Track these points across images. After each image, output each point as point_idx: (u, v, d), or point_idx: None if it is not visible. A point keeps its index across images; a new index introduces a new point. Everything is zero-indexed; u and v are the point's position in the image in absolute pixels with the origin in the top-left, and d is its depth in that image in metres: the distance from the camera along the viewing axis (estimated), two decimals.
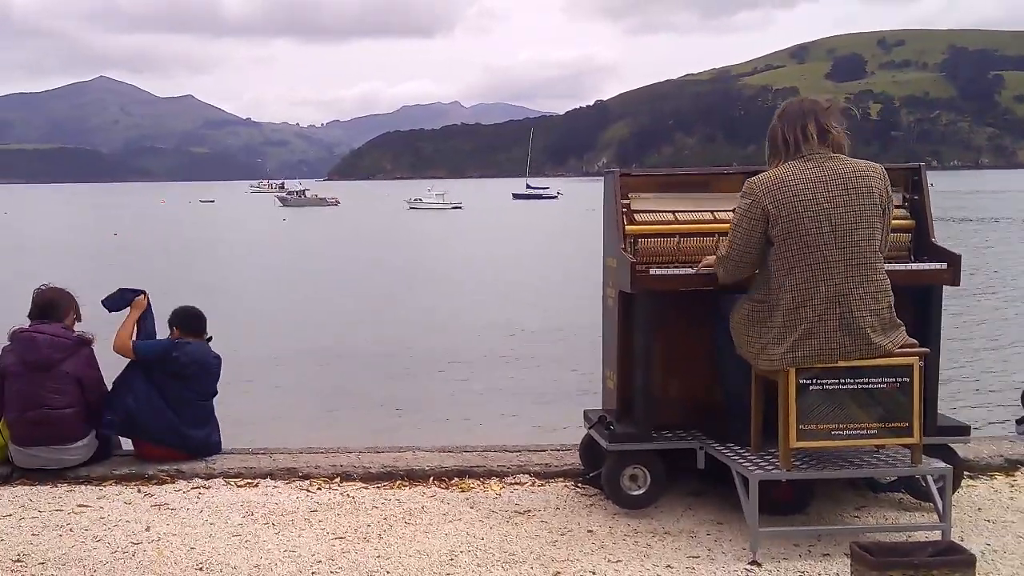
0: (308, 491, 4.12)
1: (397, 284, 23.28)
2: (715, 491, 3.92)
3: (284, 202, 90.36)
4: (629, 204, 4.01)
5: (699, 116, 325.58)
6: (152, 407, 4.40)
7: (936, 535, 3.42)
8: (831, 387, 3.37)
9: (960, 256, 3.83)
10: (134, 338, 4.54)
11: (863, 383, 3.37)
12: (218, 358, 4.59)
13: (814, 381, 3.37)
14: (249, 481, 4.25)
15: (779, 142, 3.45)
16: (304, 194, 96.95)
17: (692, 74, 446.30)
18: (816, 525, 3.69)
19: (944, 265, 3.84)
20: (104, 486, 4.26)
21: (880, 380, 3.38)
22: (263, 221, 61.64)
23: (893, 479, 3.94)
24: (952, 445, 3.92)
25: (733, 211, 3.56)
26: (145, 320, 4.61)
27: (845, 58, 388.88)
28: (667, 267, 3.82)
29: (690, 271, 3.76)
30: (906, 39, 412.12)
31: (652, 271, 3.75)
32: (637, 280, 3.71)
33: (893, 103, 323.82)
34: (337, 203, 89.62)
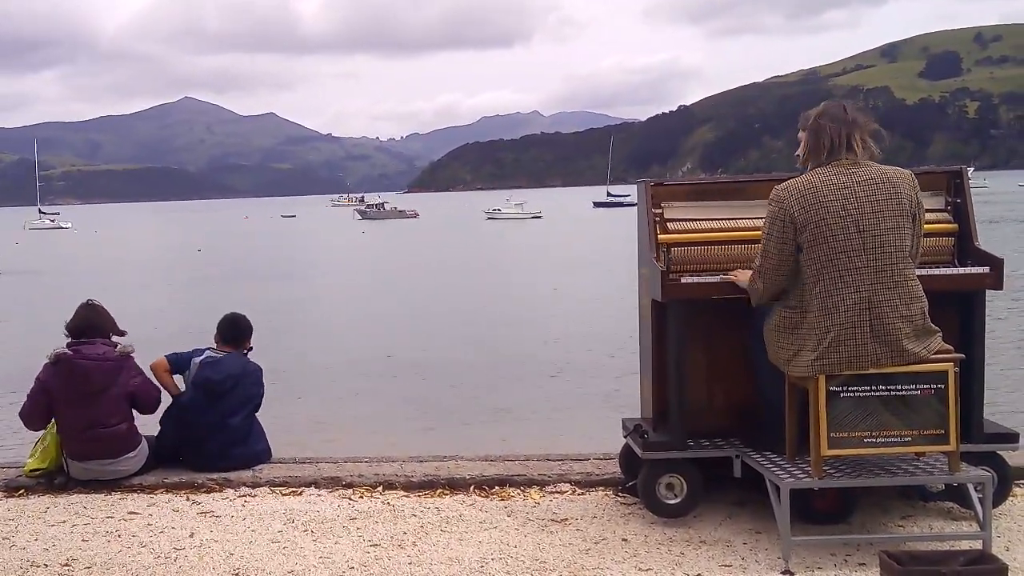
0: (350, 499, 4.25)
1: (471, 293, 23.48)
2: (756, 500, 3.88)
3: (363, 215, 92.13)
4: (662, 213, 4.02)
5: (786, 119, 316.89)
6: (195, 435, 4.59)
7: (977, 545, 3.31)
8: (862, 394, 3.31)
9: (1003, 260, 3.72)
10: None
11: (895, 390, 3.31)
12: (258, 369, 4.75)
13: (845, 388, 3.32)
14: (294, 490, 4.40)
15: (823, 142, 3.40)
16: (383, 207, 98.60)
17: (779, 76, 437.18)
18: (857, 534, 3.61)
19: (987, 269, 3.73)
20: (155, 494, 4.46)
21: (914, 387, 3.30)
22: (342, 234, 63.06)
23: (941, 488, 3.83)
24: (1001, 453, 3.78)
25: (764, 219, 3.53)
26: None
27: (939, 55, 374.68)
28: (699, 275, 3.82)
29: (719, 279, 3.74)
30: (1004, 34, 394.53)
31: (684, 279, 3.75)
32: (668, 288, 3.71)
33: (992, 100, 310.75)
34: (416, 215, 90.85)
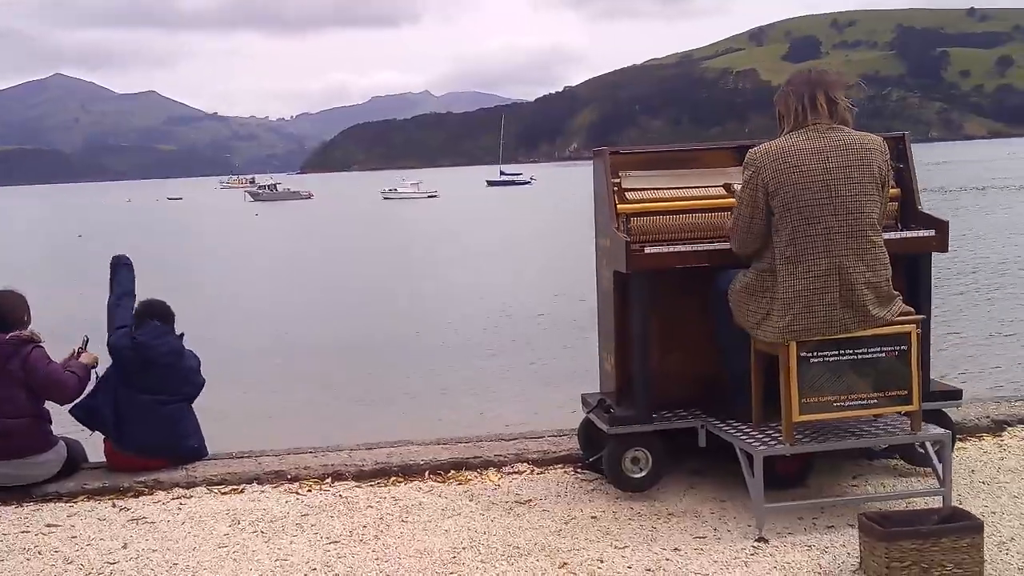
0: (298, 494, 3.99)
1: (378, 274, 23.04)
2: (716, 468, 3.86)
3: (256, 197, 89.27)
4: (619, 183, 3.93)
5: (664, 100, 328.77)
6: (139, 413, 4.22)
7: (937, 501, 3.39)
8: (831, 359, 3.32)
9: (948, 222, 3.80)
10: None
11: (862, 353, 3.33)
12: (198, 359, 4.44)
13: (814, 353, 3.31)
14: (234, 487, 4.09)
15: (789, 109, 3.39)
16: (276, 188, 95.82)
17: (655, 59, 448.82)
18: (817, 497, 3.65)
19: (932, 232, 3.80)
20: (75, 502, 4.02)
21: (879, 349, 3.34)
22: (235, 217, 60.86)
23: (885, 446, 3.91)
24: (946, 410, 3.89)
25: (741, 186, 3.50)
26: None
27: (801, 39, 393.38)
28: (661, 245, 3.75)
29: (686, 248, 3.68)
30: (857, 19, 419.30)
31: (647, 250, 3.67)
32: (633, 259, 3.62)
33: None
34: (310, 196, 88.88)
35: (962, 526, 2.88)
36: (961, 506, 3.32)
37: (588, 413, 3.93)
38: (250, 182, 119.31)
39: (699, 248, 3.69)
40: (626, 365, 3.83)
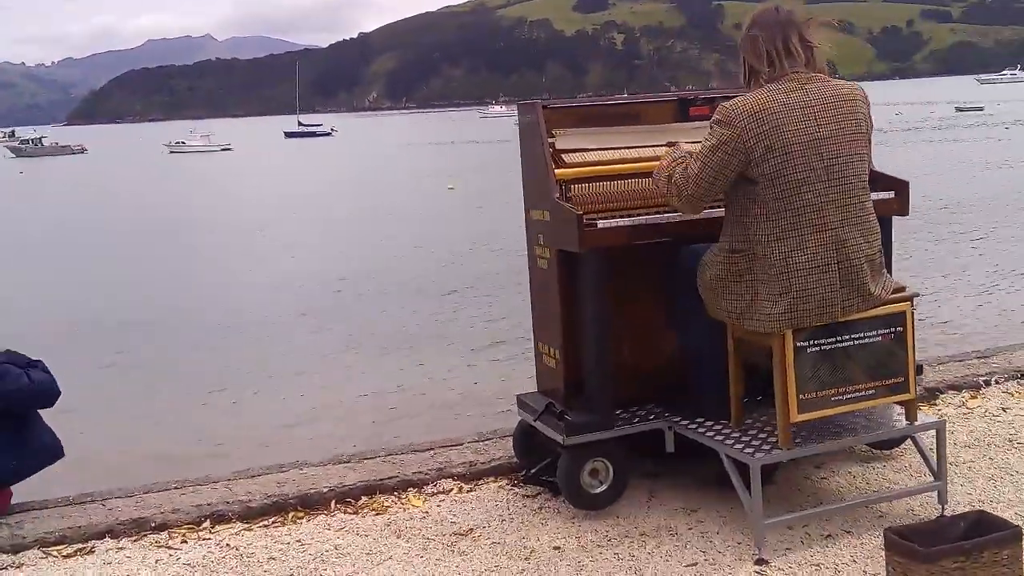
0: (169, 548, 3.09)
1: (172, 240, 20.90)
2: (672, 470, 3.39)
3: (18, 153, 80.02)
4: (554, 143, 3.28)
5: (465, 47, 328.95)
6: None
7: (933, 497, 3.09)
8: (828, 347, 2.88)
9: (908, 183, 3.46)
10: None
11: (858, 338, 2.92)
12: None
13: (811, 343, 2.86)
14: (80, 547, 3.11)
15: (761, 57, 2.85)
16: (41, 143, 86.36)
17: (451, 6, 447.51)
18: (785, 493, 3.26)
19: (892, 194, 3.45)
20: None
21: (875, 333, 2.94)
22: None
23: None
24: None
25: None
26: None
27: None
28: (610, 217, 3.16)
29: (649, 220, 3.11)
30: None
31: (600, 224, 3.07)
32: (587, 236, 3.01)
33: (634, 33, 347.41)
34: (84, 150, 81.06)
35: (1001, 537, 2.55)
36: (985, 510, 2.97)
37: (535, 420, 3.30)
38: (9, 136, 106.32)
39: (666, 220, 3.12)
40: (577, 360, 3.23)
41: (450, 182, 30.87)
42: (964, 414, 3.98)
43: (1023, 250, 13.30)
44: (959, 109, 58.76)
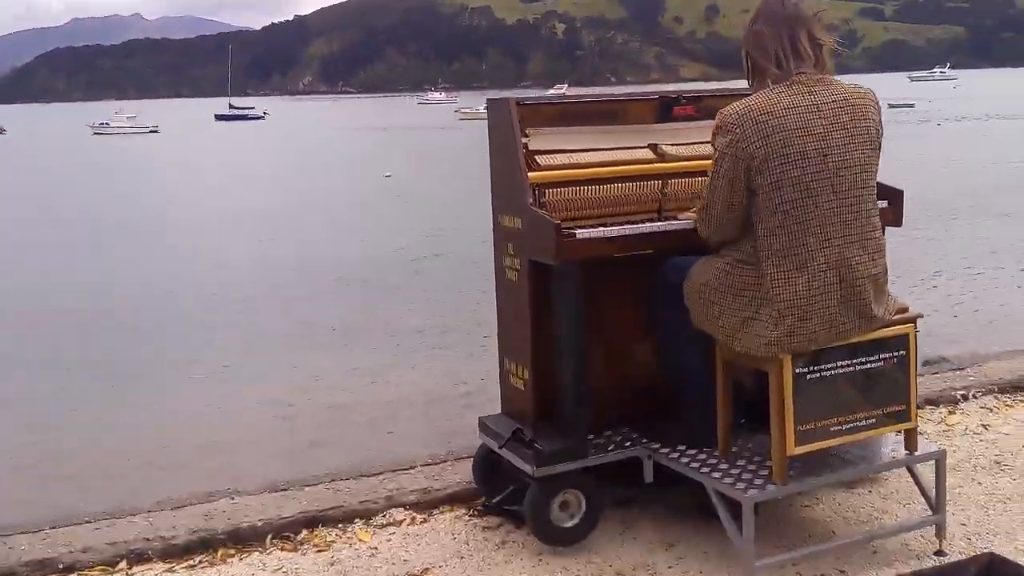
0: None
1: (100, 228, 19.91)
2: (646, 496, 3.13)
3: None
4: (527, 143, 2.97)
5: (412, 32, 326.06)
6: None
7: (931, 531, 2.89)
8: (828, 373, 2.65)
9: (902, 192, 3.24)
10: None
11: (860, 364, 2.69)
12: None
13: (810, 368, 2.62)
14: None
15: (768, 55, 2.59)
16: None
17: None
18: (770, 524, 3.01)
19: (885, 203, 3.22)
20: None
21: (877, 357, 2.71)
22: None
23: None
24: None
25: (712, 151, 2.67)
26: None
27: None
28: (587, 226, 2.86)
29: (630, 231, 2.82)
30: None
31: (579, 233, 2.77)
32: (564, 247, 2.71)
33: (576, 23, 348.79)
34: (3, 131, 77.76)
35: None
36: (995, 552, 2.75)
37: (500, 447, 2.99)
38: None
39: (652, 230, 2.84)
40: (547, 382, 2.93)
41: (387, 170, 30.27)
42: (944, 431, 3.81)
43: (977, 249, 13.24)
44: (892, 106, 60.31)
